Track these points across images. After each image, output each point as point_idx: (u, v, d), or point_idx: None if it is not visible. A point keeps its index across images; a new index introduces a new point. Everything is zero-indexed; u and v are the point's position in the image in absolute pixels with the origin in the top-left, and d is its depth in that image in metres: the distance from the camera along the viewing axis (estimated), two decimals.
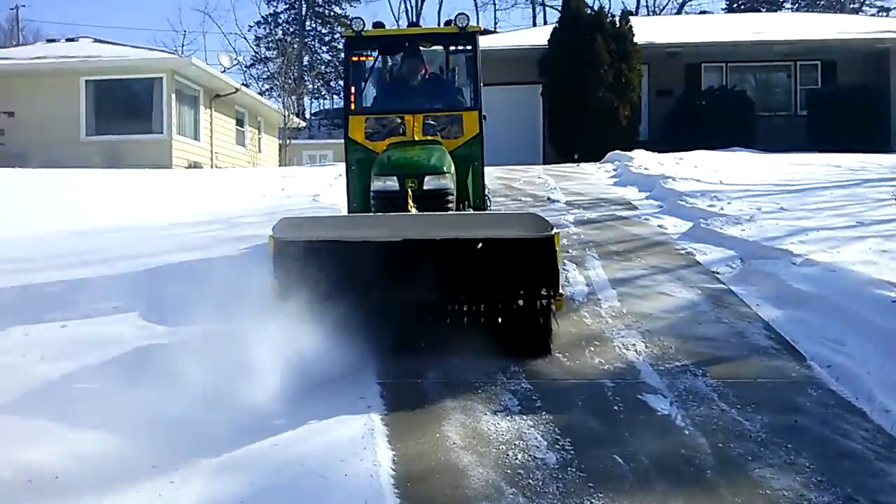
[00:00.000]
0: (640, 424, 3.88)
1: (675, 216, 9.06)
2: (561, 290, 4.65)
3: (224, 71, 26.02)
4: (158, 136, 20.49)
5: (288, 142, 28.96)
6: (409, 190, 5.45)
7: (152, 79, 20.50)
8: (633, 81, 18.68)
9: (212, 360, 4.12)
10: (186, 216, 9.30)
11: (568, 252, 7.43)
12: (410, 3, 46.28)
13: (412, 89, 6.83)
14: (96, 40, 25.07)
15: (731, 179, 11.34)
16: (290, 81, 45.48)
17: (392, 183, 5.59)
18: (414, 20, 46.27)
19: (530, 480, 3.36)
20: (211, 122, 23.30)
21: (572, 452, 3.60)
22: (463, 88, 7.04)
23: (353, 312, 4.31)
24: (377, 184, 5.68)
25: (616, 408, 4.07)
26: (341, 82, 51.37)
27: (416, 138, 6.18)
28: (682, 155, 14.57)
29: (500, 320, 4.64)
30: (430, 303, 4.61)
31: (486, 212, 4.78)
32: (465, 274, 4.59)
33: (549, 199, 10.87)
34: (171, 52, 22.44)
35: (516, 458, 3.55)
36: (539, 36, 20.51)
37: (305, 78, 46.31)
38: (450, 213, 5.54)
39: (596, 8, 23.67)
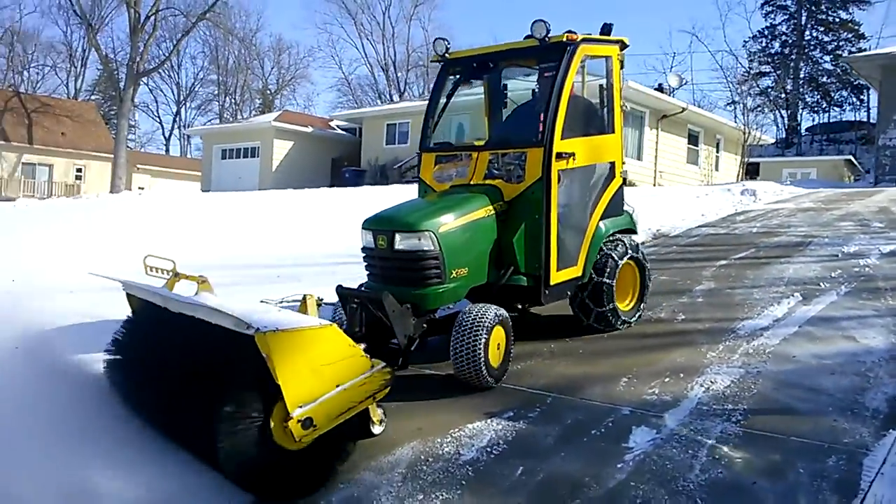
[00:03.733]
0: (587, 451, 3.73)
1: None
2: (295, 416, 3.15)
3: (672, 91, 26.43)
4: None
5: (746, 158, 27.87)
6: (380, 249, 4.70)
7: None
8: None
9: None
10: None
11: (819, 285, 6.50)
12: None
13: (496, 121, 6.01)
14: None
15: None
16: (783, 96, 43.20)
17: (369, 239, 4.80)
18: None
19: (416, 469, 3.65)
20: (656, 142, 24.06)
21: (490, 457, 3.73)
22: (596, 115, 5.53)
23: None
24: (362, 239, 4.92)
25: (593, 432, 3.93)
26: (844, 93, 46.27)
27: (474, 182, 5.20)
28: None
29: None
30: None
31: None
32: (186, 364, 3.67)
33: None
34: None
35: (442, 449, 3.84)
36: None
37: (802, 91, 43.43)
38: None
39: None
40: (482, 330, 4.40)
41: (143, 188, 43.21)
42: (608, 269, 5.38)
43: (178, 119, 63.38)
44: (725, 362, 4.79)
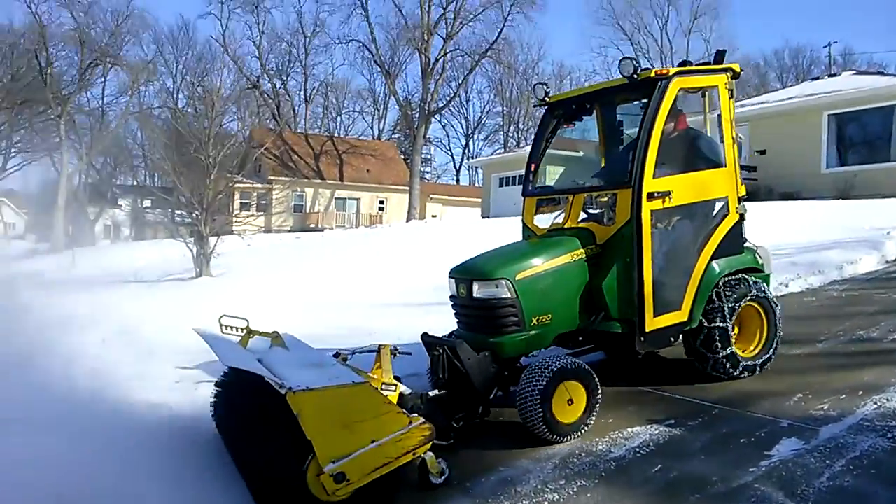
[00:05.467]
0: (727, 457, 3.97)
1: None
2: (327, 471, 3.35)
3: None
4: (893, 164, 19.95)
5: None
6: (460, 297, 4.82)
7: (893, 106, 20.12)
8: None
9: None
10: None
11: None
12: None
13: (594, 162, 5.89)
14: (858, 72, 25.57)
15: None
16: None
17: (453, 287, 4.90)
18: None
19: (568, 461, 4.18)
20: None
21: (636, 456, 4.15)
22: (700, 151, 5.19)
23: None
24: (449, 287, 5.02)
25: (742, 441, 4.13)
26: None
27: (568, 225, 5.13)
28: None
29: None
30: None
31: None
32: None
33: None
34: None
35: (596, 447, 4.33)
36: None
37: None
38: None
39: None
40: (542, 385, 4.28)
41: (435, 216, 47.29)
42: (721, 313, 4.97)
43: (466, 150, 68.14)
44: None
